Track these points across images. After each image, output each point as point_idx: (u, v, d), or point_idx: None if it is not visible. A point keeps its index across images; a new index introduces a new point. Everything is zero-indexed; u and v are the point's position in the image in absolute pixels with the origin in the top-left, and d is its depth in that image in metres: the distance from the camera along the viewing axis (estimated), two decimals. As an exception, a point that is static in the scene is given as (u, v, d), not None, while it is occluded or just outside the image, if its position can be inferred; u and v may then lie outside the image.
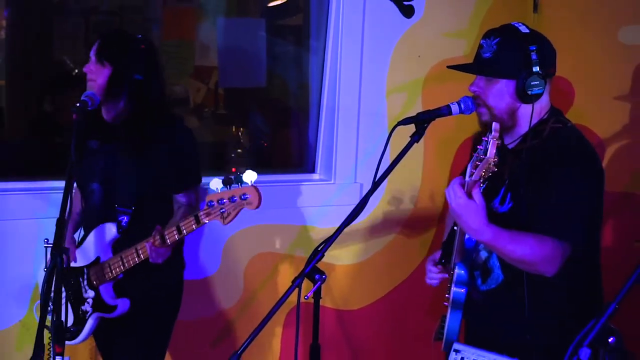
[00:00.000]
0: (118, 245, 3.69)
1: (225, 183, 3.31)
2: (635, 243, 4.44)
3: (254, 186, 3.31)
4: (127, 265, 3.62)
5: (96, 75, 3.65)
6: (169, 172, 3.69)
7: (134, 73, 3.70)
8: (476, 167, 2.79)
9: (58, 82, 5.93)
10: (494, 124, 2.78)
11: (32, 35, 6.23)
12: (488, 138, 2.76)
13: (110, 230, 3.68)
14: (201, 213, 3.43)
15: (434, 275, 3.35)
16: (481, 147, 2.78)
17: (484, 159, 2.76)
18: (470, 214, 2.83)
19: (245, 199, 3.32)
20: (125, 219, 3.69)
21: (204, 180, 3.85)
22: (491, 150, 2.74)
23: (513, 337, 3.12)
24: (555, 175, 2.97)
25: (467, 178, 2.83)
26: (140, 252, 3.58)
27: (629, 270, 2.33)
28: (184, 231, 3.49)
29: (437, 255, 3.35)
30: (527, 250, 2.88)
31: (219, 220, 3.40)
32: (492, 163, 2.76)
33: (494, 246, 2.93)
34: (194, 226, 3.47)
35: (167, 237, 3.51)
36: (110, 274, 3.66)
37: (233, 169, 5.73)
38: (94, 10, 6.38)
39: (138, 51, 3.73)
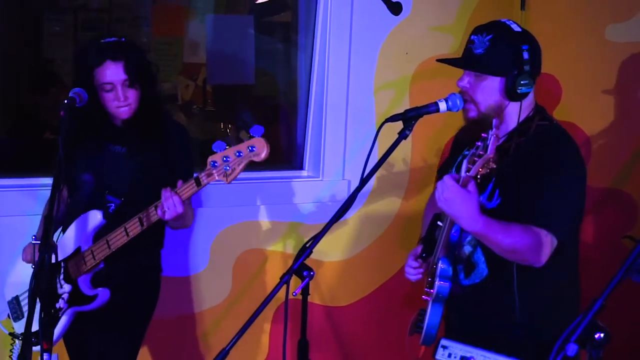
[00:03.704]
0: (102, 234, 3.60)
1: (229, 142, 3.28)
2: (623, 239, 4.45)
3: (261, 138, 3.26)
4: (113, 247, 3.54)
5: (129, 100, 3.63)
6: (170, 169, 3.69)
7: (154, 79, 3.76)
8: (473, 162, 2.79)
9: (47, 79, 5.94)
10: (494, 120, 2.80)
11: (21, 33, 6.23)
12: (488, 135, 2.76)
13: (95, 217, 3.61)
14: (202, 174, 3.37)
15: (412, 270, 3.36)
16: (480, 144, 2.78)
17: (482, 155, 2.77)
18: (463, 202, 2.84)
19: (253, 150, 3.26)
20: (112, 205, 3.68)
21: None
22: (491, 148, 2.75)
23: (499, 332, 3.13)
24: (544, 171, 2.99)
25: (463, 173, 2.84)
26: (129, 230, 3.51)
27: (615, 266, 2.35)
28: (183, 195, 3.42)
29: (418, 249, 3.35)
30: (517, 239, 2.90)
31: (222, 179, 3.33)
32: (492, 160, 2.77)
33: (486, 236, 2.93)
34: (194, 189, 3.41)
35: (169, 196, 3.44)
36: (92, 261, 3.58)
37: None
38: (83, 8, 6.38)
39: (147, 60, 3.74)
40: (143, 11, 6.52)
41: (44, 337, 3.16)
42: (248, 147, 3.27)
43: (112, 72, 3.58)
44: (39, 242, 3.22)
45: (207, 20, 6.37)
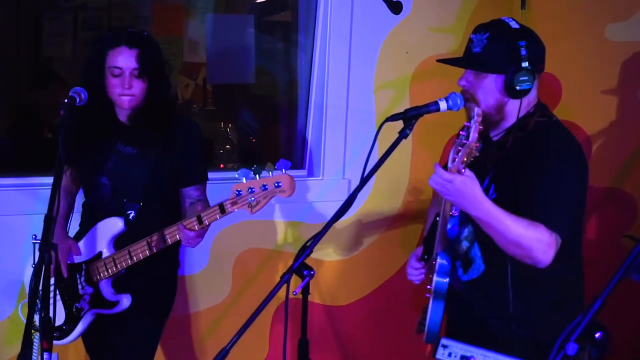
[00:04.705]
0: (122, 240, 3.65)
1: (255, 172, 3.29)
2: (623, 238, 4.46)
3: (288, 174, 3.29)
4: (135, 258, 3.59)
5: (133, 89, 3.62)
6: (182, 166, 3.72)
7: (167, 78, 3.78)
8: (458, 152, 2.79)
9: (47, 78, 5.94)
10: (475, 108, 2.80)
11: (21, 32, 6.23)
12: (470, 123, 2.77)
13: (116, 224, 3.66)
14: (227, 202, 3.38)
15: (415, 272, 3.36)
16: (463, 133, 2.79)
17: (465, 144, 2.77)
18: (466, 186, 2.82)
19: (279, 186, 3.28)
20: (132, 213, 3.70)
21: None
22: (473, 135, 2.75)
23: (496, 328, 3.14)
24: (544, 167, 2.98)
25: (449, 164, 2.83)
26: (153, 244, 3.55)
27: (614, 265, 2.35)
28: (206, 221, 3.45)
29: (419, 251, 3.35)
30: (522, 230, 2.87)
31: (246, 209, 3.36)
32: (475, 148, 2.77)
33: (489, 221, 2.89)
34: (217, 215, 3.44)
35: (188, 226, 3.48)
36: (114, 269, 3.64)
37: (221, 165, 5.75)
38: (82, 7, 6.38)
39: (162, 58, 3.75)
40: (143, 10, 6.52)
41: (44, 336, 3.17)
42: (274, 183, 3.30)
43: (124, 58, 3.59)
44: (39, 241, 3.24)
45: (207, 19, 6.37)
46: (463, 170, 2.81)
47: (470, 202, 2.86)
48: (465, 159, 2.79)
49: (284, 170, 3.29)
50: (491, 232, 2.95)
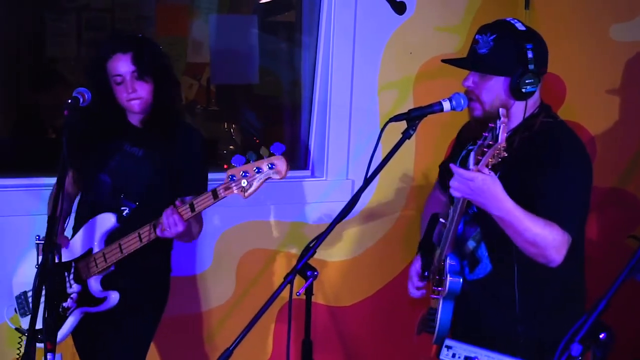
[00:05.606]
0: (114, 236, 3.63)
1: (249, 158, 3.28)
2: (628, 238, 4.45)
3: (282, 156, 3.26)
4: (125, 251, 3.56)
5: (138, 92, 3.62)
6: (182, 168, 3.70)
7: (172, 79, 3.77)
8: (482, 153, 2.76)
9: (50, 79, 5.94)
10: (501, 109, 2.78)
11: (24, 33, 6.24)
12: (497, 124, 2.75)
13: (109, 220, 3.63)
14: (220, 187, 3.36)
15: (416, 292, 3.36)
16: (488, 134, 2.77)
17: (492, 145, 2.73)
18: (487, 185, 2.79)
19: (272, 168, 3.27)
20: (127, 210, 3.69)
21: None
22: (502, 136, 2.72)
23: (502, 328, 3.14)
24: (551, 167, 2.99)
25: (471, 166, 2.81)
26: (143, 235, 3.53)
27: (618, 266, 2.34)
28: (197, 208, 3.44)
29: (418, 264, 3.35)
30: (539, 230, 2.86)
31: (240, 194, 3.34)
32: (502, 149, 2.75)
33: (510, 220, 2.87)
34: (210, 201, 3.41)
35: (181, 213, 3.46)
36: (103, 264, 3.61)
37: (225, 166, 5.74)
38: (86, 8, 6.38)
39: (161, 55, 3.74)
40: (146, 11, 6.52)
41: (48, 337, 3.17)
42: (268, 165, 3.28)
43: (122, 63, 3.60)
44: (42, 242, 3.23)
45: (211, 19, 6.37)
46: (487, 172, 2.79)
47: (491, 200, 2.84)
48: (490, 160, 2.77)
49: (277, 153, 3.27)
50: (510, 230, 2.94)
